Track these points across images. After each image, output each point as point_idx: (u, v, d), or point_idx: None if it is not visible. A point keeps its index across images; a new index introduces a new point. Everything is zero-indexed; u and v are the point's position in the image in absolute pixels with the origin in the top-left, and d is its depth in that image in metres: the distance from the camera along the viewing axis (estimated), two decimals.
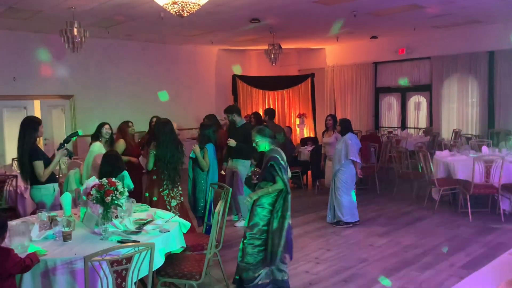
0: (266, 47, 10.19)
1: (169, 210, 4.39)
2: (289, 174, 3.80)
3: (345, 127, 5.84)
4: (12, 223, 2.97)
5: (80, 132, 4.60)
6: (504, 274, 2.91)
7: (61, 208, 3.73)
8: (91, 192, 3.12)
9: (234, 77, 12.34)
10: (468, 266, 4.31)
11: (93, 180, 3.38)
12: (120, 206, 3.23)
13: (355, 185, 5.88)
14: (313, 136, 11.60)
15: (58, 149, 4.37)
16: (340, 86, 13.08)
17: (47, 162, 4.24)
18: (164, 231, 3.11)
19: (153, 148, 4.45)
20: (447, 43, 10.66)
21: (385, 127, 12.44)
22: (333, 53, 13.20)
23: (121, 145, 5.59)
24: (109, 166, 4.48)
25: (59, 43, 7.55)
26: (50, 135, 9.99)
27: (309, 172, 8.52)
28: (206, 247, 3.82)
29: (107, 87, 10.45)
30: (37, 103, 9.93)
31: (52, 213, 3.44)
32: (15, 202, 5.10)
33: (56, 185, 4.42)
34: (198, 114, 12.18)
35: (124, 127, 5.84)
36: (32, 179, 4.22)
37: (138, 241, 2.88)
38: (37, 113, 10.02)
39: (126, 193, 3.22)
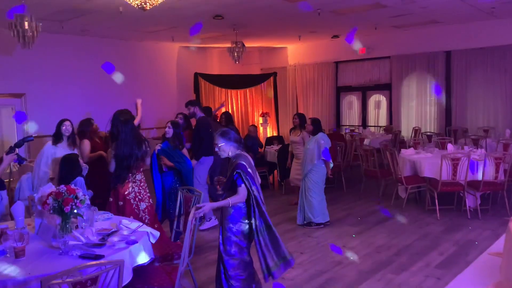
0: (228, 45, 9.97)
1: (137, 214, 4.10)
2: (259, 180, 3.43)
3: (316, 126, 5.72)
4: None
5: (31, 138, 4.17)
6: (488, 275, 2.87)
7: (12, 219, 3.35)
8: (48, 201, 2.79)
9: (196, 75, 12.01)
10: (442, 265, 4.29)
11: (49, 187, 3.04)
12: (81, 216, 2.92)
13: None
14: (278, 134, 11.49)
15: (7, 153, 3.94)
16: (302, 85, 13.07)
17: None
18: (131, 243, 2.83)
19: (113, 148, 4.13)
20: (406, 43, 10.85)
21: (346, 125, 12.54)
22: (295, 52, 13.17)
23: (85, 146, 5.21)
24: (67, 171, 4.14)
25: (8, 37, 6.99)
26: None
27: (276, 172, 8.38)
28: (176, 257, 3.58)
29: (63, 85, 9.85)
30: None
31: (1, 225, 3.06)
32: None
33: (4, 192, 4.03)
34: (159, 113, 11.83)
35: (84, 125, 5.44)
36: None
37: (103, 255, 2.59)
38: None
39: (87, 201, 2.92)
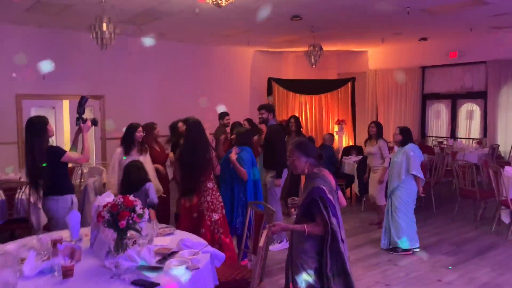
0: (304, 49, 9.48)
1: (209, 227, 3.72)
2: (343, 203, 2.82)
3: (406, 136, 4.99)
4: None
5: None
6: None
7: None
8: (102, 214, 2.46)
9: (270, 80, 11.64)
10: None
11: (108, 196, 2.72)
12: (139, 232, 2.55)
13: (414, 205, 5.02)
14: (354, 144, 10.73)
15: (81, 123, 3.80)
16: (383, 92, 12.17)
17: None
18: (193, 269, 2.40)
19: (177, 155, 3.80)
20: (506, 47, 9.60)
21: (432, 136, 11.44)
22: (376, 56, 12.32)
23: None
24: (130, 180, 3.85)
25: (90, 41, 7.07)
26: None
27: (353, 186, 7.67)
28: (243, 283, 3.11)
29: (139, 88, 9.95)
30: (66, 103, 9.54)
31: (56, 235, 2.80)
32: (28, 213, 4.53)
33: (74, 196, 3.81)
34: (232, 119, 11.58)
35: (148, 128, 5.20)
36: (49, 187, 3.63)
37: (158, 284, 2.19)
38: (66, 114, 9.65)
39: (146, 215, 2.55)
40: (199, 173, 3.80)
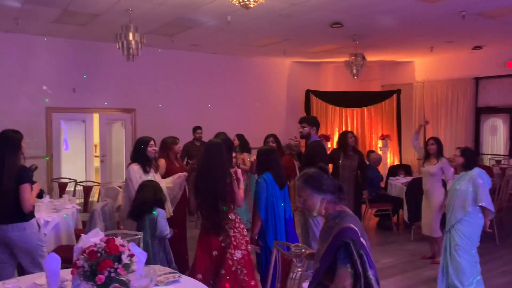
0: (344, 59, 8.82)
1: (231, 267, 3.15)
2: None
3: (469, 159, 4.18)
4: None
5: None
6: None
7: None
8: (78, 262, 1.92)
9: (308, 92, 11.03)
10: None
11: (95, 235, 2.18)
12: (126, 285, 1.98)
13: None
14: (400, 162, 9.86)
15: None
16: (432, 105, 11.20)
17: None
18: None
19: (192, 179, 3.26)
20: None
21: (487, 154, 10.37)
22: (424, 66, 11.42)
23: (161, 165, 4.44)
24: (143, 202, 3.35)
25: (120, 52, 6.76)
26: (108, 151, 9.31)
27: (401, 211, 6.83)
28: None
29: (170, 101, 9.60)
30: (96, 117, 9.32)
31: (30, 284, 2.28)
32: None
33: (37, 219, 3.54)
34: (266, 133, 11.02)
35: (168, 143, 4.71)
36: (11, 214, 3.30)
37: None
38: (96, 127, 9.43)
39: (134, 265, 1.98)
40: (216, 201, 3.23)
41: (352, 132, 6.05)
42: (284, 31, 7.69)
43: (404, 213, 6.30)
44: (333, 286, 1.97)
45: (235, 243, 3.24)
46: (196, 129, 7.90)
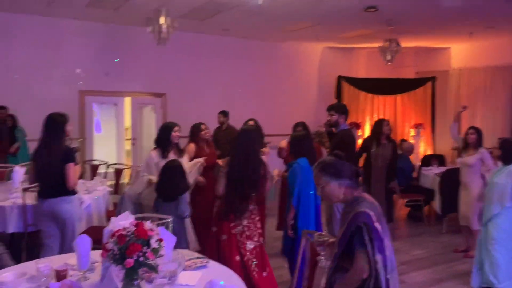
0: (378, 44, 8.57)
1: (243, 256, 3.12)
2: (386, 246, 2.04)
3: (510, 152, 3.96)
4: None
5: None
6: None
7: None
8: (107, 246, 1.92)
9: (340, 78, 10.81)
10: None
11: (126, 218, 2.19)
12: (154, 270, 1.98)
13: None
14: (433, 152, 9.57)
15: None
16: (469, 93, 10.77)
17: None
18: None
19: (224, 166, 3.23)
20: None
21: None
22: (461, 53, 10.96)
23: (190, 150, 4.45)
24: (167, 185, 3.36)
25: (151, 37, 6.78)
26: (139, 135, 9.44)
27: (433, 203, 6.62)
28: None
29: (200, 86, 9.61)
30: (128, 100, 9.45)
31: (61, 264, 2.31)
32: None
33: (79, 196, 3.90)
34: (296, 119, 10.89)
35: (195, 128, 4.71)
36: (58, 188, 3.63)
37: None
38: (127, 111, 9.56)
39: (163, 250, 1.97)
40: (248, 189, 3.21)
41: (387, 121, 5.85)
42: (317, 15, 7.51)
43: (437, 204, 6.11)
44: (352, 268, 2.02)
45: (248, 233, 3.23)
46: (221, 113, 7.89)
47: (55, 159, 3.56)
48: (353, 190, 2.19)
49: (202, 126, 4.78)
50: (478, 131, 5.03)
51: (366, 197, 2.18)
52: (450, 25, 8.30)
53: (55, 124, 3.63)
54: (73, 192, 3.69)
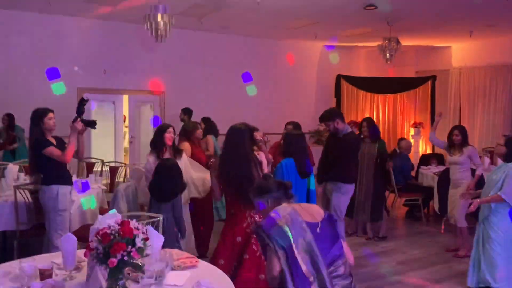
0: (378, 43, 8.50)
1: (255, 252, 3.10)
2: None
3: None
4: None
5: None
6: None
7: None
8: (91, 245, 1.88)
9: (339, 77, 10.76)
10: None
11: (112, 217, 2.14)
12: (140, 269, 1.94)
13: None
14: (433, 151, 9.51)
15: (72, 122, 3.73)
16: (469, 93, 10.72)
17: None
18: None
19: (215, 167, 3.19)
20: None
21: None
22: (462, 52, 10.89)
23: (185, 149, 4.39)
24: (163, 184, 3.31)
25: (149, 34, 6.73)
26: (137, 133, 9.40)
27: (432, 203, 6.57)
28: None
29: (199, 84, 9.56)
30: (125, 98, 9.41)
31: (45, 264, 2.25)
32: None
33: (62, 187, 3.77)
34: (296, 118, 10.84)
35: (189, 128, 4.66)
36: (41, 178, 3.79)
37: None
38: (125, 108, 9.52)
39: (149, 249, 1.93)
40: (242, 184, 3.17)
41: (367, 119, 5.96)
42: (316, 13, 7.46)
43: (435, 203, 6.07)
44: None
45: None
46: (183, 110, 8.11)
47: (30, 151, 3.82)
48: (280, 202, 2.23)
49: (197, 126, 4.73)
50: (462, 131, 5.09)
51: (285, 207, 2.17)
52: (450, 23, 8.25)
53: (34, 117, 3.82)
54: (47, 182, 3.74)
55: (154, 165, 3.68)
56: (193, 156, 4.48)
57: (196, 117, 7.78)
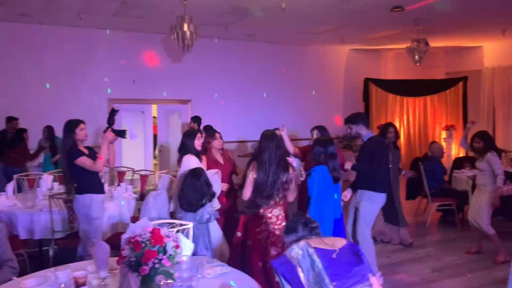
0: (406, 45, 8.34)
1: (266, 263, 3.06)
2: None
3: None
4: None
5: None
6: None
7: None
8: (123, 252, 1.90)
9: (367, 80, 10.62)
10: None
11: (143, 225, 2.17)
12: (171, 277, 1.95)
13: None
14: (466, 154, 9.23)
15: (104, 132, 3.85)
16: (503, 93, 10.38)
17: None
18: None
19: (253, 170, 3.18)
20: None
21: None
22: (494, 51, 10.57)
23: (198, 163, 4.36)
24: (192, 193, 3.32)
25: (176, 44, 6.84)
26: (165, 141, 9.54)
27: (467, 207, 6.34)
28: None
29: (226, 92, 9.63)
30: (154, 107, 9.56)
31: (79, 271, 2.30)
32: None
33: (95, 196, 3.89)
34: (323, 123, 10.72)
35: (208, 138, 4.62)
36: (75, 187, 3.91)
37: None
38: (154, 118, 9.67)
39: (179, 257, 1.94)
40: (276, 193, 3.16)
41: (392, 125, 5.78)
42: (341, 16, 7.41)
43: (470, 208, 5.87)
44: None
45: (272, 239, 3.17)
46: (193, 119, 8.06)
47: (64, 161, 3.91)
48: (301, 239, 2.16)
49: (217, 135, 4.69)
50: (484, 137, 4.95)
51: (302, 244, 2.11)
52: (481, 23, 8.03)
53: (66, 128, 3.93)
54: (80, 191, 3.85)
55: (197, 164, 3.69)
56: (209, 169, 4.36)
57: (220, 125, 7.80)
